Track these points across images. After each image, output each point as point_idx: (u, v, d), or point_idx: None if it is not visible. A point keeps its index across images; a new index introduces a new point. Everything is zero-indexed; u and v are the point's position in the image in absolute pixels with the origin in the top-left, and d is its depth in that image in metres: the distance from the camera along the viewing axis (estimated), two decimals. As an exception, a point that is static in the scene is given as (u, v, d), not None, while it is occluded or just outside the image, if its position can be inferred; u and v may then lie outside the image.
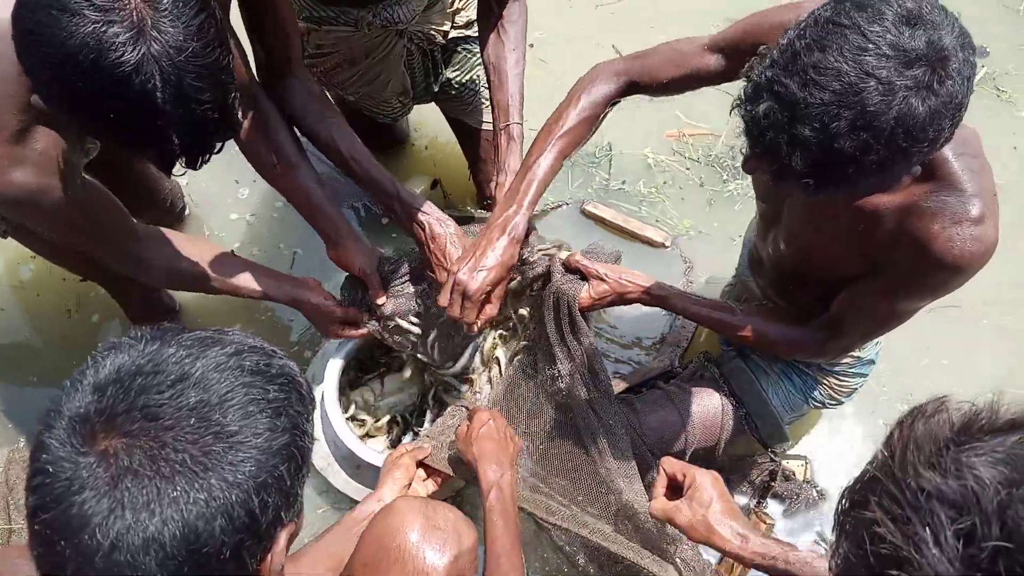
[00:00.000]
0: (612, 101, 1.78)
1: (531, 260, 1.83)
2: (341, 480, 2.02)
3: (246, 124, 1.71)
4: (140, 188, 2.31)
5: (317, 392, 1.96)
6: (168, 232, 1.72)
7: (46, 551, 0.75)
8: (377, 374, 2.13)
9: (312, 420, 0.90)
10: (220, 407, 0.79)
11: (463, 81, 2.24)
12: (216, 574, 0.77)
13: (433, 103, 2.37)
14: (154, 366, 0.80)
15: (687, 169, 2.71)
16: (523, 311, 1.95)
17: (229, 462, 0.77)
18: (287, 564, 1.45)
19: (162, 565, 0.74)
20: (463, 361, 1.97)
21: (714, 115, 2.76)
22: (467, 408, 1.85)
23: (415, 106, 2.34)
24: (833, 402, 2.02)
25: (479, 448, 1.62)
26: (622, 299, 1.80)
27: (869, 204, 1.43)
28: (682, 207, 2.65)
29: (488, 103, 2.24)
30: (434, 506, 1.22)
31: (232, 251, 1.80)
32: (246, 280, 1.82)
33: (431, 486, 1.76)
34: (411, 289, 1.90)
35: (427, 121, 2.78)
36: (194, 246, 1.75)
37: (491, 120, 2.26)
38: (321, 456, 2.00)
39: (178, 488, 0.74)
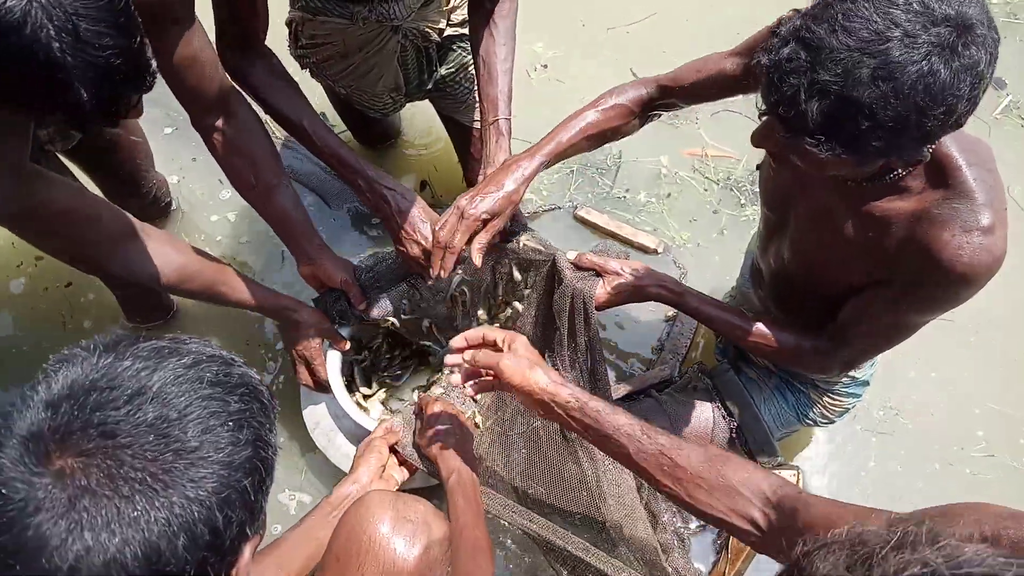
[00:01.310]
0: (645, 104, 1.77)
1: (525, 251, 1.84)
2: (340, 456, 1.98)
3: (222, 137, 1.69)
4: (122, 177, 2.27)
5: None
6: (148, 230, 1.64)
7: (2, 572, 0.72)
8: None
9: (275, 430, 0.87)
10: (180, 422, 0.76)
11: (457, 79, 2.22)
12: None
13: (426, 100, 2.35)
14: (109, 380, 0.77)
15: (704, 190, 2.69)
16: (517, 304, 1.92)
17: (190, 479, 0.74)
18: (269, 552, 1.45)
19: None
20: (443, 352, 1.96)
21: (740, 140, 2.71)
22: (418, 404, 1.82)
23: (408, 102, 2.31)
24: (825, 420, 2.00)
25: (438, 443, 1.64)
26: (638, 295, 1.77)
27: (879, 210, 1.42)
28: (693, 228, 2.63)
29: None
30: (404, 499, 1.21)
31: (211, 255, 1.76)
32: (229, 287, 1.77)
33: (405, 473, 1.76)
34: (394, 290, 1.92)
35: (419, 118, 2.76)
36: (172, 247, 1.68)
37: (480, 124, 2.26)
38: (321, 433, 1.98)
39: (138, 507, 0.72)
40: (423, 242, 1.81)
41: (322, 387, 1.92)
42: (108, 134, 2.12)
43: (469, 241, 1.69)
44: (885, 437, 2.29)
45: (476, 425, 1.88)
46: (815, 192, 1.54)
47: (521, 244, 1.86)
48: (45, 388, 0.77)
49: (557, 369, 1.79)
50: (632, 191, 2.68)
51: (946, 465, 2.25)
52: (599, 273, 1.78)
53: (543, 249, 1.85)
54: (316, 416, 2.00)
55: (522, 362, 1.36)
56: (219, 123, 1.68)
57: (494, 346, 1.46)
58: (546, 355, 1.88)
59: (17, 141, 1.35)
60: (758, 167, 1.73)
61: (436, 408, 1.69)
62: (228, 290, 1.74)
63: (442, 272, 1.71)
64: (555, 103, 2.42)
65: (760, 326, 1.71)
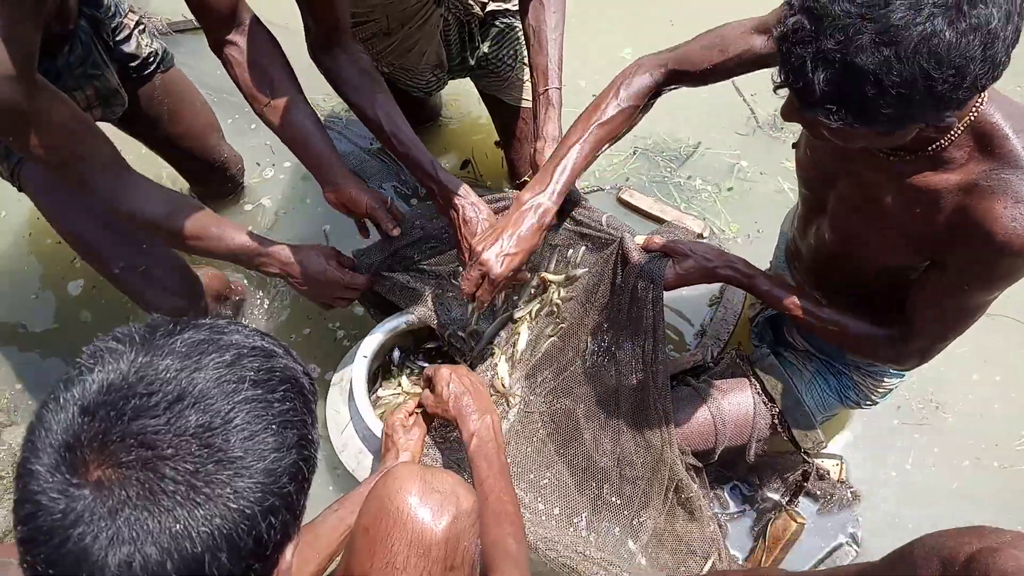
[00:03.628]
0: (654, 92, 1.75)
1: (590, 230, 1.84)
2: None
3: (238, 55, 1.69)
4: (190, 151, 2.31)
5: (344, 390, 1.93)
6: (148, 180, 1.63)
7: None
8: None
9: (316, 423, 0.84)
10: (222, 430, 0.73)
11: (500, 56, 2.20)
12: None
13: (468, 79, 2.34)
14: (147, 384, 0.73)
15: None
16: (563, 294, 1.91)
17: (234, 490, 0.72)
18: (306, 530, 1.45)
19: None
20: (486, 335, 1.94)
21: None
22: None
23: (449, 81, 2.31)
24: (868, 402, 1.95)
25: (454, 405, 1.62)
26: (708, 276, 1.73)
27: (923, 183, 1.37)
28: (745, 222, 2.58)
29: (524, 80, 2.23)
30: (432, 471, 1.21)
31: (208, 209, 1.73)
32: (230, 239, 1.72)
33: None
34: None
35: (461, 97, 2.76)
36: (174, 196, 1.66)
37: (526, 97, 2.25)
38: (350, 455, 1.92)
39: (180, 520, 0.69)
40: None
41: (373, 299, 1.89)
42: (163, 102, 2.13)
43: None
44: (925, 429, 2.25)
45: (507, 402, 1.86)
46: (855, 167, 1.50)
47: (588, 222, 1.85)
48: (80, 389, 0.73)
49: (611, 352, 1.80)
50: (691, 179, 2.66)
51: (978, 461, 2.21)
52: (666, 255, 1.74)
53: (607, 228, 1.84)
54: (343, 439, 1.93)
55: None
56: (232, 37, 1.68)
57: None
58: (593, 337, 1.85)
59: (25, 32, 1.32)
60: (794, 145, 1.69)
61: (444, 370, 1.68)
62: (217, 232, 1.69)
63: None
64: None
65: (834, 313, 1.66)
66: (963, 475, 2.18)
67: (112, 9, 1.88)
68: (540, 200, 1.70)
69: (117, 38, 1.91)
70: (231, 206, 2.62)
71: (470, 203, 1.80)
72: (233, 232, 1.71)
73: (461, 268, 1.89)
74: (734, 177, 2.66)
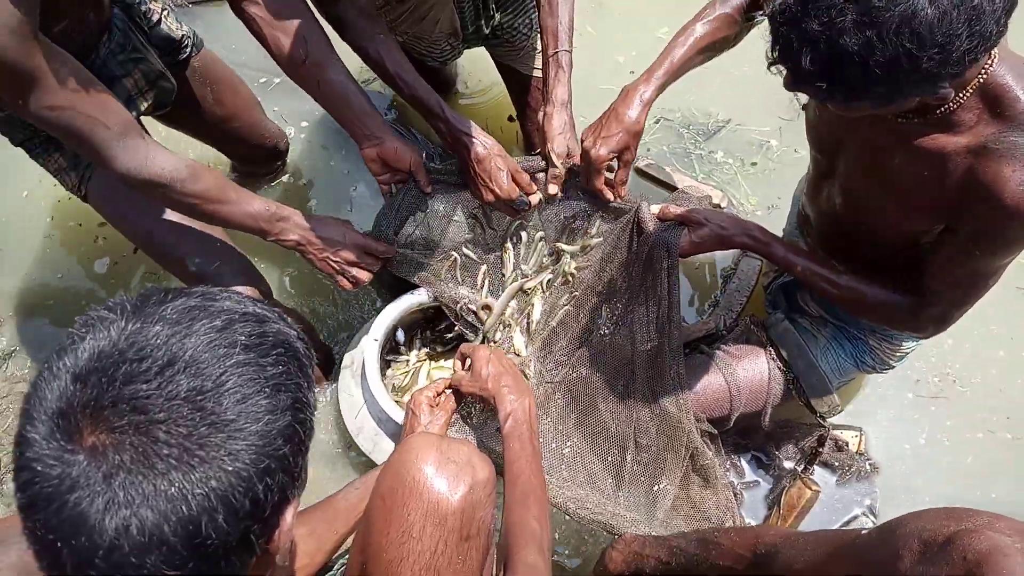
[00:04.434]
0: (746, 9, 1.74)
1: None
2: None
3: (265, 13, 1.63)
4: (240, 131, 2.30)
5: (356, 372, 1.92)
6: (163, 146, 1.59)
7: (42, 548, 0.72)
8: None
9: (313, 387, 0.84)
10: (214, 393, 0.73)
11: (514, 25, 2.19)
12: (223, 562, 0.74)
13: (483, 48, 2.32)
14: (138, 350, 0.73)
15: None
16: (578, 263, 1.91)
17: (228, 452, 0.72)
18: (324, 506, 1.47)
19: (166, 561, 0.70)
20: (499, 306, 1.93)
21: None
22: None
23: (464, 51, 2.29)
24: (885, 367, 1.94)
25: (492, 385, 1.60)
26: (724, 243, 1.73)
27: (932, 145, 1.36)
28: (766, 194, 2.56)
29: (539, 50, 2.21)
30: (448, 441, 1.21)
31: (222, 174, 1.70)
32: (248, 203, 1.67)
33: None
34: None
35: (478, 70, 2.75)
36: (191, 162, 1.61)
37: (541, 67, 2.22)
38: (367, 438, 1.92)
39: (175, 484, 0.70)
40: (498, 190, 1.81)
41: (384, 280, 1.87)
42: (204, 83, 2.12)
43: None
44: (940, 401, 2.24)
45: (525, 374, 1.87)
46: (864, 130, 1.49)
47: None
48: (72, 357, 0.73)
49: (627, 320, 1.82)
50: (713, 153, 2.65)
51: (991, 432, 2.21)
52: (682, 224, 1.74)
53: (625, 199, 1.84)
54: (358, 422, 1.93)
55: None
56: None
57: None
58: (610, 303, 1.85)
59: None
60: (804, 107, 1.68)
61: (483, 351, 1.67)
62: (235, 197, 1.65)
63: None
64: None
65: (851, 280, 1.65)
66: (976, 448, 2.19)
67: None
68: (638, 84, 1.71)
69: (149, 24, 1.90)
70: (271, 180, 2.63)
71: (479, 140, 1.80)
72: (250, 197, 1.68)
73: (479, 212, 1.92)
74: (761, 155, 2.64)
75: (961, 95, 1.30)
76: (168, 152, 1.56)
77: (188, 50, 2.02)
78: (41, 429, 0.71)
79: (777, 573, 1.32)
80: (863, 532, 1.17)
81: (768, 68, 1.26)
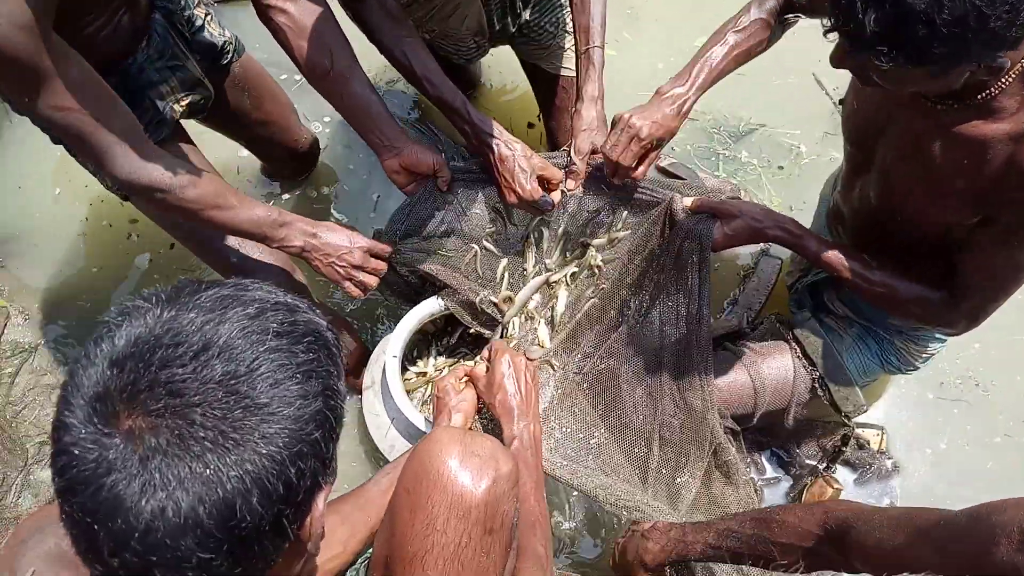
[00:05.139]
0: (779, 12, 1.74)
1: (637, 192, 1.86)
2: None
3: (289, 20, 1.65)
4: (276, 135, 2.32)
5: (378, 371, 1.93)
6: (164, 151, 1.59)
7: (80, 532, 0.73)
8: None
9: (342, 376, 0.86)
10: (248, 377, 0.74)
11: (541, 24, 2.19)
12: (256, 546, 0.75)
13: (508, 47, 2.33)
14: (173, 336, 0.75)
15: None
16: (601, 259, 1.92)
17: (261, 435, 0.73)
18: (356, 495, 1.48)
19: (201, 544, 0.71)
20: (521, 298, 1.94)
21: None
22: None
23: (492, 47, 2.30)
24: (910, 368, 1.93)
25: (501, 401, 1.61)
26: (756, 236, 1.72)
27: (973, 132, 1.35)
28: (790, 194, 2.56)
29: (565, 49, 2.22)
30: (472, 435, 1.22)
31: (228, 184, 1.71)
32: (250, 208, 1.67)
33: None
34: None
35: (503, 69, 2.75)
36: (192, 167, 1.61)
37: (567, 66, 2.24)
38: (387, 440, 1.90)
39: (210, 466, 0.71)
40: (520, 191, 1.81)
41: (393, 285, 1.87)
42: (244, 88, 2.14)
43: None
44: (962, 405, 2.23)
45: (551, 365, 1.88)
46: (903, 118, 1.47)
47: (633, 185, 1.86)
48: (109, 344, 0.75)
49: (655, 313, 1.83)
50: (739, 155, 2.64)
51: (1008, 437, 2.20)
52: (714, 216, 1.73)
53: (656, 189, 1.85)
54: (389, 441, 1.89)
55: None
56: (279, 3, 1.65)
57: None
58: (637, 296, 1.86)
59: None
60: (841, 102, 1.67)
61: (504, 360, 1.67)
62: (237, 202, 1.65)
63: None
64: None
65: (883, 275, 1.64)
66: (996, 452, 2.18)
67: (183, 2, 1.86)
68: (679, 90, 1.71)
69: (192, 29, 1.91)
70: (300, 186, 2.66)
71: (504, 141, 1.81)
72: (252, 203, 1.69)
73: (500, 207, 1.92)
74: (790, 161, 2.62)
75: (1003, 80, 1.28)
76: (169, 157, 1.57)
77: (229, 56, 2.04)
78: (79, 414, 0.72)
79: (847, 549, 1.30)
80: (946, 515, 1.14)
81: (824, 35, 1.23)
